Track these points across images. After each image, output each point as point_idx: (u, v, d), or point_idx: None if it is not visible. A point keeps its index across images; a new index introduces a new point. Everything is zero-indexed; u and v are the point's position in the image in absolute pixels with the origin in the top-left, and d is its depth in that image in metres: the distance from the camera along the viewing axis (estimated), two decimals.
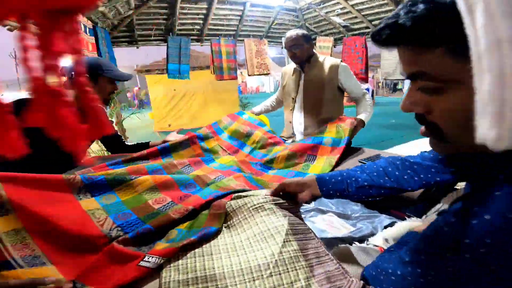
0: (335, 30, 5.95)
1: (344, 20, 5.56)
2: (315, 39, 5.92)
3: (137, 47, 5.07)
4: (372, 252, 0.85)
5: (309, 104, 1.93)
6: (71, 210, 0.82)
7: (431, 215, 1.04)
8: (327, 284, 0.63)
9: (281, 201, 0.86)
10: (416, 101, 0.50)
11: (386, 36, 0.45)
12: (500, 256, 0.38)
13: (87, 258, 0.73)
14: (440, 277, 0.46)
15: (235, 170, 1.34)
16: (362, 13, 5.14)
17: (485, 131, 0.32)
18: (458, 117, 0.43)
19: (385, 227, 0.98)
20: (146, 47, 5.12)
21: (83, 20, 2.94)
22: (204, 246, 0.74)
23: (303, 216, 1.06)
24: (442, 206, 1.09)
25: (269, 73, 5.94)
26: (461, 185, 1.20)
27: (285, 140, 1.84)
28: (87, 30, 3.07)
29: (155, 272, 0.71)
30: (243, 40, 5.69)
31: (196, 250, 0.73)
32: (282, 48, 6.29)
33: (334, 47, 5.94)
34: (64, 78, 1.30)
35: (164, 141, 1.58)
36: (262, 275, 0.64)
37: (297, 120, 2.00)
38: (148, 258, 0.70)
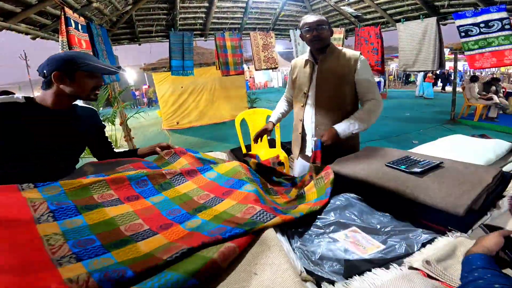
0: (346, 20, 5.69)
1: (355, 9, 5.29)
2: None
3: (139, 44, 4.95)
4: (416, 279, 0.67)
5: (322, 99, 1.71)
6: (23, 234, 0.66)
7: (478, 229, 0.85)
8: None
9: None
10: None
11: None
12: None
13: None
14: None
15: (235, 186, 1.10)
16: (376, 2, 4.86)
17: None
18: None
19: (423, 244, 0.79)
20: (149, 44, 5.00)
21: (74, 16, 2.80)
22: None
23: (321, 231, 0.89)
24: (489, 217, 0.89)
25: (277, 67, 5.73)
26: (509, 191, 1.00)
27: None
28: (80, 27, 2.93)
29: None
30: (249, 33, 5.49)
31: None
32: (290, 41, 6.06)
33: (346, 38, 5.69)
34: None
35: (151, 150, 1.47)
36: None
37: (309, 118, 1.78)
38: None
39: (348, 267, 0.73)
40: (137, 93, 20.68)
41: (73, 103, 1.28)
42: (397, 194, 0.93)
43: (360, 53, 1.65)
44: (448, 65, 12.59)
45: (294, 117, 1.90)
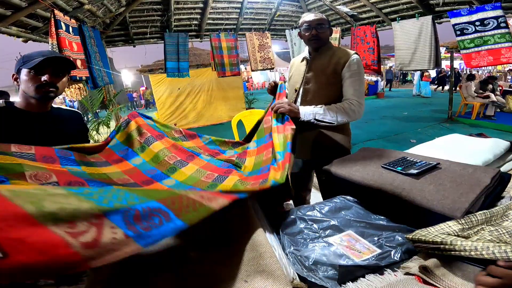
0: (342, 20, 5.68)
1: (351, 9, 5.29)
2: None
3: (134, 46, 4.92)
4: (412, 285, 0.64)
5: (310, 96, 1.67)
6: None
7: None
8: None
9: None
10: None
11: None
12: None
13: None
14: None
15: (195, 154, 1.35)
16: (371, 1, 4.85)
17: None
18: None
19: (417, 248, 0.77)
20: (144, 45, 4.97)
21: (64, 19, 2.77)
22: None
23: (316, 234, 0.86)
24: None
25: (273, 67, 5.71)
26: (508, 192, 0.98)
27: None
28: (71, 29, 2.91)
29: None
30: (245, 34, 5.46)
31: None
32: (286, 41, 6.04)
33: (342, 38, 5.68)
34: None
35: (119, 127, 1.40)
36: None
37: None
38: None
39: (342, 273, 0.71)
40: (134, 95, 20.60)
41: (53, 106, 1.26)
42: (393, 197, 0.90)
43: (355, 53, 1.60)
44: (444, 63, 12.60)
45: None
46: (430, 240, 0.70)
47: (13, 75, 1.17)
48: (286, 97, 1.72)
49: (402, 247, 0.77)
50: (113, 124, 4.23)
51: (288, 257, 0.77)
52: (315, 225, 0.90)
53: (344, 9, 5.31)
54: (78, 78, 2.82)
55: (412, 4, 4.57)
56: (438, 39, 4.47)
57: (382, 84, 13.69)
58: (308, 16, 1.62)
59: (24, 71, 1.13)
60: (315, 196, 2.01)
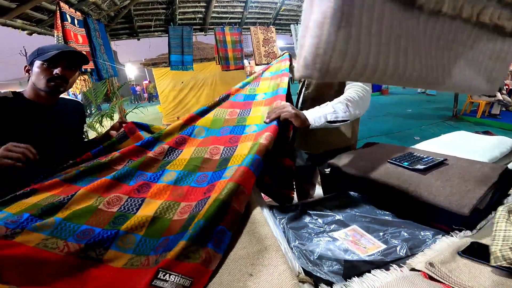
0: None
1: None
2: None
3: (138, 39, 4.91)
4: (418, 281, 0.64)
5: (308, 93, 1.64)
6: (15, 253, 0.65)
7: (486, 228, 0.81)
8: None
9: None
10: None
11: None
12: None
13: None
14: None
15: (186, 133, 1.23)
16: None
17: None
18: None
19: (426, 245, 0.76)
20: (148, 39, 4.95)
21: (70, 11, 2.77)
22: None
23: (321, 229, 0.86)
24: (494, 215, 0.86)
25: None
26: None
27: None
28: (76, 21, 2.90)
29: None
30: (249, 28, 5.42)
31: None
32: (291, 35, 5.99)
33: None
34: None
35: (107, 134, 1.38)
36: None
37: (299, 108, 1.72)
38: (164, 276, 0.55)
39: (348, 268, 0.71)
40: (137, 88, 20.63)
41: (60, 96, 1.25)
42: (400, 192, 0.90)
43: None
44: None
45: None
46: None
47: (25, 66, 1.17)
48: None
49: (407, 242, 0.77)
50: (116, 116, 4.24)
51: (293, 250, 0.77)
52: (320, 220, 0.90)
53: None
54: (83, 70, 2.84)
55: None
56: None
57: None
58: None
59: (37, 63, 1.12)
60: (319, 191, 2.00)
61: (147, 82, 21.30)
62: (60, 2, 2.66)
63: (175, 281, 0.56)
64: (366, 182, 1.02)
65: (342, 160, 1.17)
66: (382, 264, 0.71)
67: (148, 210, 0.83)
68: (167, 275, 0.56)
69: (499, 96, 6.59)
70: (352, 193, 1.05)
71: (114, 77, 3.84)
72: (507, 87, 7.83)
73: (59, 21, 2.63)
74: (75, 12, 2.93)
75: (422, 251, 0.74)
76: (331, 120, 1.18)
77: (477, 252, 0.68)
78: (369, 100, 1.32)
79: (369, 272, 0.69)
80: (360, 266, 0.71)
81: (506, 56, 0.49)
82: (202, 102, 9.21)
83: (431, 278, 0.66)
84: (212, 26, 5.22)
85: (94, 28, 3.23)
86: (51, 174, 1.04)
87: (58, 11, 2.64)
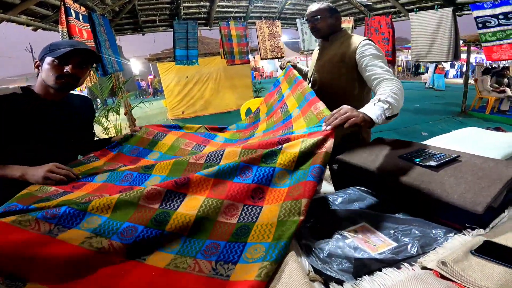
0: (355, 10, 5.52)
1: None
2: None
3: (143, 34, 4.90)
4: (430, 280, 0.63)
5: (320, 85, 1.64)
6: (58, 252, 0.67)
7: (499, 227, 0.79)
8: None
9: None
10: None
11: None
12: None
13: None
14: None
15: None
16: None
17: None
18: None
19: (437, 243, 0.75)
20: (152, 34, 4.94)
21: (74, 6, 2.76)
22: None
23: (330, 226, 0.84)
24: (507, 214, 0.84)
25: (283, 56, 5.62)
26: None
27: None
28: (81, 17, 2.89)
29: None
30: (255, 22, 5.37)
31: None
32: (297, 30, 5.92)
33: (355, 28, 5.55)
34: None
35: (126, 137, 1.41)
36: None
37: None
38: None
39: (358, 266, 0.69)
40: (142, 83, 20.68)
41: (68, 92, 1.24)
42: (411, 189, 0.88)
43: (366, 38, 1.51)
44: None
45: None
46: None
47: (36, 62, 1.16)
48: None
49: (419, 241, 0.75)
50: (122, 111, 4.26)
51: (302, 248, 0.76)
52: (328, 216, 0.89)
53: None
54: None
55: None
56: (458, 31, 4.35)
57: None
58: (308, 9, 1.62)
59: (48, 59, 1.10)
60: (326, 187, 1.98)
61: (152, 77, 21.33)
62: None
63: None
64: (376, 178, 1.00)
65: (351, 156, 1.15)
66: (393, 262, 0.70)
67: (190, 207, 0.81)
68: None
69: (508, 92, 6.47)
70: (361, 189, 1.03)
71: (119, 72, 3.84)
72: None
73: (63, 16, 2.61)
74: (80, 7, 2.92)
75: (434, 249, 0.73)
76: (389, 116, 1.11)
77: (490, 251, 0.67)
78: (403, 92, 1.27)
79: (380, 270, 0.68)
80: (370, 264, 0.70)
81: None
82: (207, 96, 9.21)
83: (443, 277, 0.65)
84: (217, 21, 5.17)
85: (98, 23, 3.22)
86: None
87: (63, 6, 2.62)
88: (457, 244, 0.73)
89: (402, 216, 0.86)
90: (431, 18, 4.42)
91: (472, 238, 0.73)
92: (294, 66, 1.79)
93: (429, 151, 1.04)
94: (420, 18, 4.53)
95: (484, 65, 10.45)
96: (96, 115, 4.18)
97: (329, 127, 0.94)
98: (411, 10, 4.66)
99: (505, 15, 3.68)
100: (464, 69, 11.65)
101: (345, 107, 0.99)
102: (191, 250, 0.73)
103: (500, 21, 3.75)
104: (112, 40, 3.56)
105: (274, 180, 0.86)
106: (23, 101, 1.10)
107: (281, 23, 5.73)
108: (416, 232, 0.79)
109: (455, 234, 0.76)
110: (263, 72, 24.10)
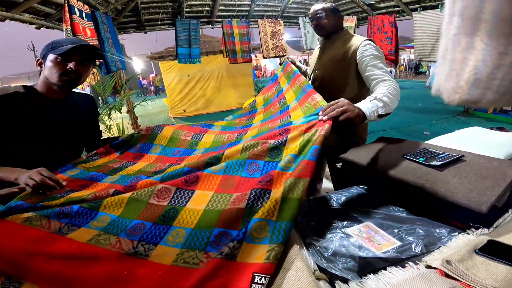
0: (358, 9, 5.50)
1: None
2: None
3: (145, 32, 4.90)
4: (435, 279, 0.63)
5: (319, 83, 1.67)
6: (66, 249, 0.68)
7: (502, 226, 0.80)
8: None
9: None
10: None
11: None
12: None
13: None
14: None
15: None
16: None
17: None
18: None
19: (442, 242, 0.75)
20: (155, 32, 4.94)
21: (78, 5, 2.76)
22: None
23: (333, 225, 0.85)
24: (510, 214, 0.84)
25: (285, 55, 5.61)
26: None
27: None
28: (84, 15, 2.89)
29: None
30: (257, 21, 5.36)
31: None
32: (299, 29, 5.91)
33: (358, 27, 5.53)
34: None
35: (131, 135, 1.42)
36: None
37: None
38: (260, 279, 0.59)
39: (362, 265, 0.70)
40: (144, 81, 20.69)
41: (72, 90, 1.25)
42: (415, 188, 0.88)
43: (367, 38, 1.54)
44: None
45: None
46: None
47: (38, 60, 1.16)
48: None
49: (423, 240, 0.76)
50: (124, 109, 4.27)
51: (307, 247, 0.77)
52: (332, 215, 0.89)
53: None
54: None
55: None
56: None
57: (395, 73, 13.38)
58: (312, 8, 1.67)
59: (50, 57, 1.10)
60: (326, 185, 1.99)
61: (153, 75, 21.34)
62: None
63: (265, 282, 0.59)
64: (380, 177, 1.01)
65: (354, 154, 1.15)
66: (397, 261, 0.71)
67: (199, 202, 0.82)
68: (263, 278, 0.59)
69: None
70: (364, 187, 1.04)
71: (122, 70, 3.84)
72: None
73: (67, 14, 2.62)
74: (83, 6, 2.93)
75: (438, 248, 0.73)
76: (381, 114, 1.13)
77: (495, 251, 0.67)
78: (399, 93, 1.29)
79: (385, 269, 0.69)
80: (375, 263, 0.70)
81: None
82: (208, 95, 9.22)
83: (447, 275, 0.65)
84: (220, 19, 5.17)
85: (102, 21, 3.23)
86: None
87: (66, 4, 2.63)
88: (461, 243, 0.73)
89: (405, 215, 0.86)
90: (434, 18, 4.41)
91: (476, 237, 0.74)
92: (293, 63, 1.83)
93: (433, 150, 1.05)
94: (424, 18, 4.53)
95: None
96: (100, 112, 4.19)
97: (325, 117, 0.97)
98: (415, 9, 4.65)
99: None
100: None
101: (343, 100, 1.02)
102: (200, 242, 0.72)
103: None
104: (115, 38, 3.55)
105: (281, 164, 0.88)
106: (25, 100, 1.10)
107: (284, 22, 5.73)
108: (420, 231, 0.79)
109: (459, 233, 0.77)
110: (265, 71, 24.08)
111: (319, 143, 0.88)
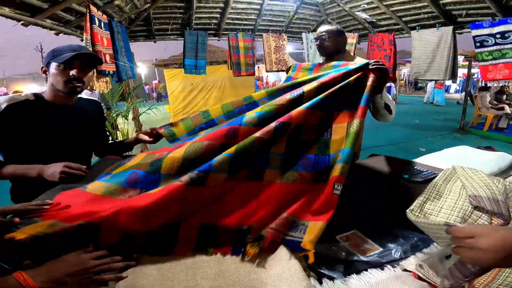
0: (360, 26, 5.69)
1: (370, 15, 5.30)
2: None
3: (155, 42, 5.06)
4: (408, 280, 0.74)
5: None
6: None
7: None
8: None
9: None
10: None
11: None
12: None
13: None
14: None
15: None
16: (392, 9, 4.86)
17: None
18: None
19: (419, 249, 0.86)
20: (163, 41, 5.10)
21: (98, 14, 2.85)
22: None
23: (324, 231, 0.96)
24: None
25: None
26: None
27: None
28: (102, 24, 2.97)
29: None
30: (262, 35, 5.54)
31: None
32: (302, 43, 6.09)
33: (358, 43, 5.69)
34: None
35: (137, 139, 1.47)
36: None
37: None
38: (337, 186, 0.90)
39: (347, 266, 0.81)
40: (146, 87, 20.89)
41: (78, 96, 1.30)
42: (397, 201, 0.99)
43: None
44: (461, 72, 12.38)
45: None
46: None
47: (42, 67, 1.22)
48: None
49: (402, 246, 0.87)
50: (130, 116, 4.39)
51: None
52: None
53: (363, 15, 5.32)
54: (106, 72, 2.89)
55: (433, 14, 4.56)
56: (457, 50, 4.48)
57: (395, 90, 13.57)
58: (318, 29, 1.81)
59: (53, 65, 1.16)
60: None
61: (156, 81, 21.58)
62: (90, 5, 2.69)
63: (340, 188, 0.90)
64: (368, 190, 1.12)
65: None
66: (378, 264, 0.82)
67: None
68: (339, 186, 0.90)
69: (507, 109, 6.58)
70: (352, 198, 1.14)
71: (131, 79, 3.94)
72: None
73: (88, 24, 2.64)
74: (102, 15, 2.97)
75: (415, 254, 0.84)
76: (387, 103, 1.36)
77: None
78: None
79: (366, 270, 0.79)
80: (358, 265, 0.81)
81: None
82: (210, 104, 9.29)
83: (420, 278, 0.76)
84: (226, 32, 5.36)
85: (117, 30, 3.30)
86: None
87: (88, 14, 2.65)
88: (434, 250, 0.85)
89: (389, 225, 0.97)
90: (431, 36, 4.55)
91: (447, 247, 0.85)
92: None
93: (418, 168, 1.16)
94: (421, 36, 4.67)
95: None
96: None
97: (375, 67, 1.19)
98: (414, 28, 4.82)
99: (502, 34, 3.76)
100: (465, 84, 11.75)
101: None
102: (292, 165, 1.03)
103: (497, 40, 3.83)
104: (127, 47, 3.65)
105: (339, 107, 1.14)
106: (34, 107, 1.17)
107: (287, 37, 5.91)
108: (401, 239, 0.90)
109: (433, 242, 0.88)
110: (266, 82, 24.31)
111: (369, 92, 1.13)
